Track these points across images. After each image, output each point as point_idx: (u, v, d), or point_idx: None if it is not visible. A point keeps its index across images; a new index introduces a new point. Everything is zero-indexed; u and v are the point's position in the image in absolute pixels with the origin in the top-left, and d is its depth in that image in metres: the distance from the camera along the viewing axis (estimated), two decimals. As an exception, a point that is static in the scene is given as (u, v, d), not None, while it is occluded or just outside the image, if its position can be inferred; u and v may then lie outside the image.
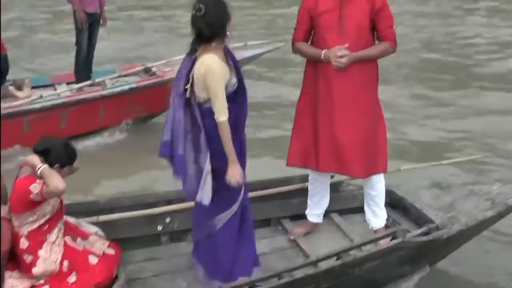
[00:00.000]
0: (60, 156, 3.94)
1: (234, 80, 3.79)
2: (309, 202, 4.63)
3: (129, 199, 4.76)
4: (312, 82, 4.34)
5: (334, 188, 4.90)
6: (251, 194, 4.78)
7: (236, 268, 3.99)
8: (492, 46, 11.86)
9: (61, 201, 4.07)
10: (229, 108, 3.71)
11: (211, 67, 3.66)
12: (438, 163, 5.35)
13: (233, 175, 3.77)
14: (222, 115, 3.67)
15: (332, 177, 4.67)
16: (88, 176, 5.39)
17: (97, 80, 7.83)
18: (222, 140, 3.72)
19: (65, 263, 3.92)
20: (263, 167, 5.81)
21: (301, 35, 4.39)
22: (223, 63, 3.72)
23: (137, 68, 8.19)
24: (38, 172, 3.79)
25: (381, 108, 4.39)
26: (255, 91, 8.20)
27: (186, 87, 3.78)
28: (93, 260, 3.99)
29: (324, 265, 3.77)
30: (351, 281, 3.87)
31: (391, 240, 3.98)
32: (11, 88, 7.63)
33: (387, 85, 7.83)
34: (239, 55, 7.93)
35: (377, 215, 4.47)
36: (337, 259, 3.77)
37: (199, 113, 3.77)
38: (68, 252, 3.96)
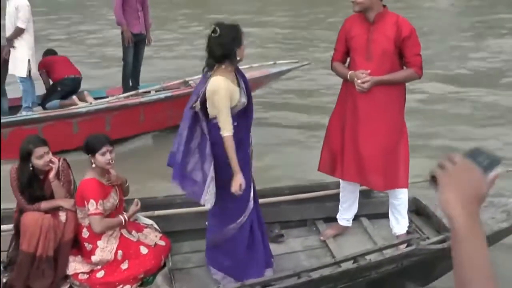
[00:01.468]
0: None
1: (244, 99, 4.17)
2: (340, 207, 5.06)
3: (181, 197, 5.22)
4: (343, 100, 4.75)
5: (366, 194, 5.34)
6: (291, 197, 5.31)
7: (248, 271, 4.35)
8: None
9: (120, 199, 4.68)
10: (238, 124, 4.11)
11: (217, 87, 4.04)
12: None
13: (236, 184, 4.12)
14: (225, 131, 4.05)
15: (361, 186, 5.05)
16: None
17: (140, 91, 8.74)
18: (227, 153, 4.09)
19: (119, 252, 4.50)
20: (304, 173, 6.21)
21: (339, 55, 4.76)
22: (232, 84, 4.10)
23: (177, 81, 9.02)
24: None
25: (406, 128, 4.72)
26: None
27: (194, 104, 4.16)
28: (144, 250, 4.55)
29: (341, 267, 4.17)
30: (367, 283, 4.23)
31: (406, 247, 4.38)
32: (74, 97, 8.64)
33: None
34: (266, 71, 8.63)
35: (399, 222, 4.86)
36: (353, 262, 4.17)
37: (206, 126, 4.14)
38: (122, 243, 4.54)
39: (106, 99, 8.48)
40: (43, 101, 8.77)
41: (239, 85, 4.20)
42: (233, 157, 4.09)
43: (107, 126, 8.07)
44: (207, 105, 4.15)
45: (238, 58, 4.15)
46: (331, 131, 4.86)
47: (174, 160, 4.27)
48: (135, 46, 9.03)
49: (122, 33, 8.95)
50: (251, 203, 4.34)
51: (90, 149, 4.51)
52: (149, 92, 8.77)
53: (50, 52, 9.33)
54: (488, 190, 1.32)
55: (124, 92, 8.87)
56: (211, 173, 4.13)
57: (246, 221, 4.34)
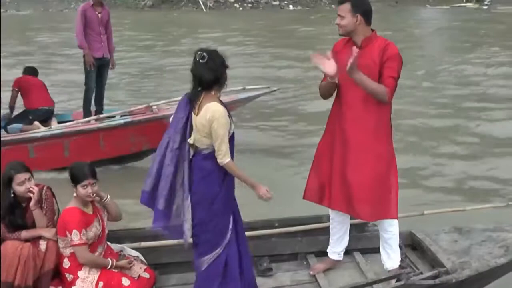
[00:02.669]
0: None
1: (233, 126, 4.10)
2: (330, 240, 4.90)
3: (169, 228, 5.18)
4: (332, 126, 4.62)
5: (360, 228, 5.19)
6: (281, 230, 5.18)
7: None
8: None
9: (103, 228, 4.57)
10: None
11: (217, 114, 3.95)
12: (461, 209, 5.50)
13: (262, 193, 4.07)
14: (226, 157, 3.98)
15: (351, 218, 4.89)
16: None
17: (102, 115, 8.64)
18: (235, 175, 4.05)
19: (100, 283, 4.39)
20: (294, 205, 6.07)
21: (326, 79, 4.56)
22: (226, 111, 4.03)
23: (141, 107, 8.83)
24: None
25: (395, 158, 4.57)
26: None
27: (190, 140, 4.09)
28: (126, 282, 4.42)
29: None
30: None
31: (396, 282, 4.22)
32: (36, 123, 8.61)
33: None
34: (234, 96, 8.45)
35: (390, 257, 4.67)
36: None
37: (188, 162, 4.07)
38: (104, 274, 4.42)
39: (64, 124, 8.41)
40: (7, 124, 8.71)
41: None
42: (242, 175, 4.08)
43: (66, 151, 8.00)
44: (197, 135, 4.06)
45: (226, 83, 4.10)
46: (319, 158, 4.74)
47: (151, 202, 4.19)
48: (98, 70, 9.04)
49: (84, 56, 8.95)
50: (229, 235, 4.21)
51: (73, 178, 4.43)
52: (113, 116, 8.63)
53: (30, 71, 9.29)
54: None
55: (85, 117, 8.82)
56: (188, 214, 4.11)
57: (221, 255, 4.20)
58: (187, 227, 4.12)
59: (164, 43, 18.83)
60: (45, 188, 4.63)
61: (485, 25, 21.29)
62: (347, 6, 4.41)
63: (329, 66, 4.33)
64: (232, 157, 4.09)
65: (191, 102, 4.11)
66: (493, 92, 12.61)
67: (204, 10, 24.45)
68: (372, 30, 4.49)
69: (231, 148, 4.11)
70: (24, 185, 4.47)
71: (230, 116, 4.11)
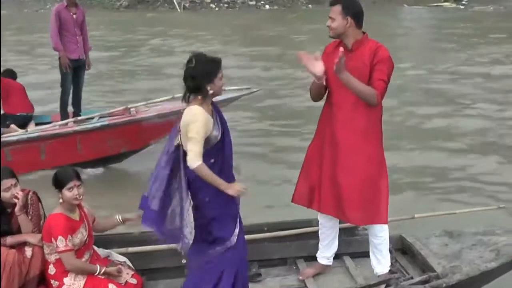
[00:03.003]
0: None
1: (216, 133, 4.02)
2: (319, 245, 4.84)
3: (157, 233, 5.12)
4: (322, 128, 4.57)
5: (350, 232, 5.15)
6: (270, 234, 5.13)
7: None
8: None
9: (89, 234, 4.51)
10: (214, 161, 3.98)
11: (194, 116, 3.90)
12: (451, 212, 5.47)
13: (236, 190, 3.97)
14: (195, 161, 3.87)
15: (341, 222, 4.83)
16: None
17: (80, 118, 8.54)
18: (207, 180, 3.93)
19: (87, 290, 4.34)
20: (284, 209, 6.04)
21: None
22: (208, 116, 3.96)
23: (118, 109, 8.72)
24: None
25: (385, 161, 4.52)
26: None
27: (177, 141, 4.03)
28: (112, 288, 4.39)
29: None
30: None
31: (386, 287, 4.18)
32: (13, 126, 8.49)
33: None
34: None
35: (380, 262, 4.61)
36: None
37: (184, 165, 3.99)
38: (90, 281, 4.36)
39: (41, 127, 8.34)
40: None
41: (213, 117, 4.06)
42: (214, 180, 3.95)
43: (42, 155, 7.93)
44: (182, 137, 4.00)
45: (211, 93, 4.01)
46: (308, 161, 4.69)
47: (148, 205, 4.13)
48: (74, 72, 8.93)
49: (59, 58, 8.85)
50: (233, 240, 4.17)
51: (57, 183, 4.38)
52: (92, 118, 8.53)
53: (8, 74, 9.13)
54: None
55: (62, 119, 8.73)
56: (190, 217, 4.03)
57: (215, 266, 4.15)
58: (189, 230, 4.04)
59: (133, 43, 18.66)
60: (30, 193, 4.57)
61: (467, 23, 21.40)
62: (338, 8, 4.37)
63: (316, 67, 4.29)
64: (230, 164, 4.10)
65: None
66: (481, 92, 12.57)
67: (179, 10, 24.39)
68: (364, 33, 4.44)
69: (227, 154, 4.09)
70: (10, 191, 4.41)
71: (219, 120, 4.08)
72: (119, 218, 4.74)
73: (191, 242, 4.06)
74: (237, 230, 4.20)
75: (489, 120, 10.54)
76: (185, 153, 3.99)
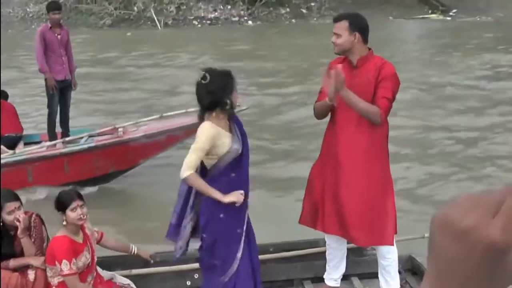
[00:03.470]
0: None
1: (237, 146, 3.97)
2: (327, 266, 4.75)
3: (161, 254, 5.04)
4: (326, 148, 4.50)
5: (358, 252, 5.06)
6: (276, 255, 5.05)
7: None
8: None
9: (92, 257, 4.45)
10: (236, 175, 3.98)
11: (200, 129, 3.90)
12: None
13: (232, 200, 3.94)
14: (187, 171, 3.84)
15: (348, 243, 4.74)
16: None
17: (68, 139, 8.43)
18: (198, 190, 3.94)
19: (90, 313, 4.28)
20: (290, 229, 5.96)
21: (323, 97, 4.37)
22: (222, 130, 3.92)
23: (106, 128, 8.59)
24: None
25: (391, 181, 4.44)
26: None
27: None
28: (116, 310, 4.33)
29: None
30: None
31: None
32: (2, 147, 8.32)
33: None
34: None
35: (389, 284, 4.52)
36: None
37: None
38: (94, 303, 4.32)
39: (28, 149, 8.24)
40: None
41: (231, 131, 4.02)
42: (207, 190, 3.93)
43: (29, 177, 7.86)
44: None
45: (229, 106, 3.95)
46: (312, 182, 4.61)
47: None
48: (60, 92, 8.86)
49: (45, 80, 8.77)
50: (236, 265, 4.11)
51: (60, 205, 4.32)
52: (81, 138, 8.42)
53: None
54: None
55: (50, 140, 8.63)
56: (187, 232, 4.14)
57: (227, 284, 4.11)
58: (180, 244, 4.16)
59: (112, 60, 18.58)
60: (34, 215, 4.52)
61: (458, 33, 21.32)
62: (344, 24, 4.29)
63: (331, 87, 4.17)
64: (246, 178, 4.09)
65: None
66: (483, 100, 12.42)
67: (159, 27, 24.44)
68: (369, 49, 4.37)
69: (245, 166, 4.08)
70: (14, 214, 4.36)
71: (239, 132, 4.05)
72: (134, 250, 4.83)
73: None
74: (239, 254, 4.13)
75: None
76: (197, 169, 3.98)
